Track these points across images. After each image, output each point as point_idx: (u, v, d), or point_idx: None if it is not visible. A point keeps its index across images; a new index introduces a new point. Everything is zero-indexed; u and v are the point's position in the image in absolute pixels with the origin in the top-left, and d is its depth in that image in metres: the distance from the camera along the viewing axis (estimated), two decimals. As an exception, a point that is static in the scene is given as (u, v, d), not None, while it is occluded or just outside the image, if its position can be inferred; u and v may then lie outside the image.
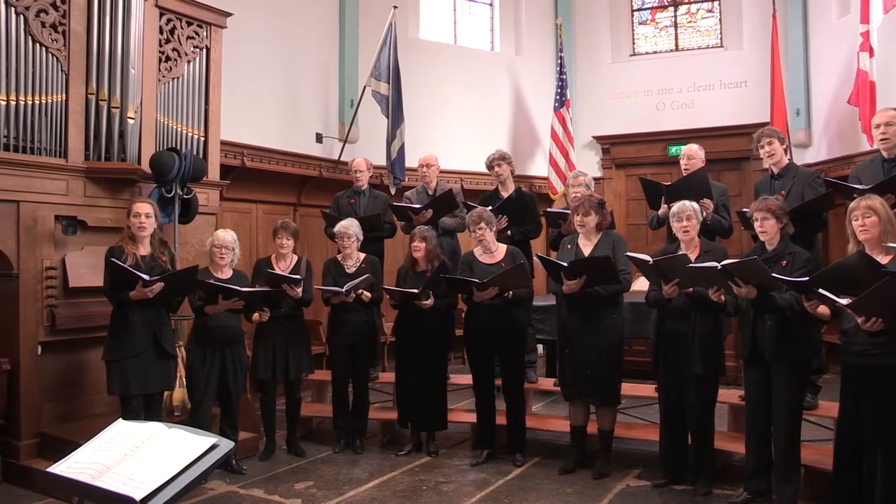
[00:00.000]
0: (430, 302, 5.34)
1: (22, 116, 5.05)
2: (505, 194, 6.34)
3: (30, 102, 5.09)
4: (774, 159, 5.17)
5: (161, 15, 5.95)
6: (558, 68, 10.38)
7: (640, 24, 11.15)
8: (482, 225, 5.30)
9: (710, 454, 4.71)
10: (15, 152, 5.03)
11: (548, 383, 6.32)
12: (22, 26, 5.05)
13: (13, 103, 5.00)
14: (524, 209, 6.15)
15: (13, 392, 5.02)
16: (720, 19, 10.63)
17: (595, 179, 7.03)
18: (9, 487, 4.90)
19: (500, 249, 5.42)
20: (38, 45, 5.14)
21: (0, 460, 4.97)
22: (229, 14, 6.45)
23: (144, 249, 4.81)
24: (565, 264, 4.85)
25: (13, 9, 5.00)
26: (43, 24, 5.17)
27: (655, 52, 11.01)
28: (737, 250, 6.33)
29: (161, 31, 5.95)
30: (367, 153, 7.47)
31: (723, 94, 10.22)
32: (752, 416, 4.38)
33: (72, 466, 2.00)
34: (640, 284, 5.80)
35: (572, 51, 10.90)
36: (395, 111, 8.69)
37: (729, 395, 5.35)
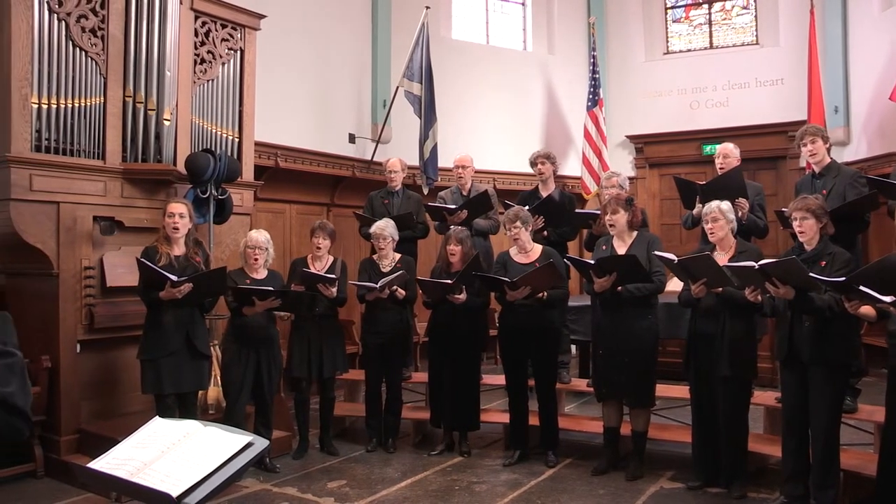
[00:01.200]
0: (463, 297, 5.33)
1: (62, 119, 5.14)
2: (545, 194, 6.32)
3: (69, 105, 5.19)
4: (817, 158, 5.06)
5: (196, 18, 6.02)
6: (591, 67, 10.31)
7: (673, 21, 11.04)
8: (518, 224, 5.28)
9: (743, 457, 4.64)
10: (55, 154, 5.13)
11: (581, 384, 6.28)
12: (63, 32, 5.15)
13: (54, 106, 5.10)
14: (562, 211, 6.12)
15: (54, 389, 5.12)
16: (756, 16, 10.47)
17: (629, 179, 6.96)
18: (50, 481, 5.00)
19: (536, 249, 5.40)
20: (78, 49, 5.23)
21: (42, 455, 5.08)
22: (263, 16, 6.51)
23: (179, 250, 4.87)
24: (593, 262, 4.84)
25: (55, 15, 5.11)
26: (83, 29, 5.26)
27: (689, 50, 10.89)
28: (773, 250, 6.25)
29: (196, 34, 6.03)
30: (399, 153, 7.50)
31: (758, 91, 10.08)
32: (789, 419, 4.31)
33: (110, 462, 2.03)
34: (675, 285, 5.75)
35: (605, 49, 10.82)
36: (427, 111, 8.70)
37: (765, 398, 5.28)
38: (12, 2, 4.87)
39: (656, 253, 4.77)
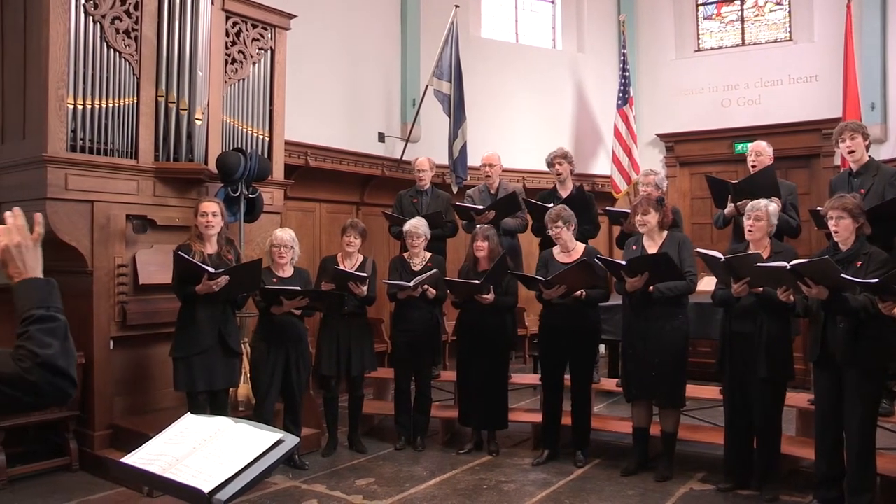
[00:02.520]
0: (490, 297, 5.33)
1: (96, 119, 5.22)
2: (563, 193, 6.31)
3: (103, 106, 5.26)
4: (856, 156, 4.93)
5: (227, 18, 6.07)
6: (621, 65, 10.24)
7: (704, 18, 10.91)
8: (560, 223, 5.26)
9: (776, 459, 4.59)
10: (90, 154, 5.21)
11: (610, 384, 6.25)
12: (98, 34, 5.23)
13: (89, 107, 5.17)
14: (583, 208, 6.10)
15: (87, 385, 5.19)
16: (789, 12, 10.30)
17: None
18: (84, 475, 5.08)
19: (578, 248, 5.37)
20: (112, 50, 5.30)
21: (77, 449, 5.16)
22: (293, 16, 6.55)
23: (211, 248, 4.93)
24: (624, 262, 4.81)
25: (91, 18, 5.19)
26: (117, 31, 5.33)
27: (721, 48, 10.75)
28: (806, 250, 6.15)
29: (227, 34, 6.08)
30: (429, 152, 7.50)
31: (792, 89, 9.91)
32: (823, 421, 4.25)
33: (143, 457, 2.05)
34: (706, 284, 5.69)
35: (635, 47, 10.74)
36: (457, 110, 8.70)
37: (797, 399, 5.20)
38: (51, 6, 4.96)
39: (699, 250, 4.72)
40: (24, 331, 1.68)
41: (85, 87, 5.15)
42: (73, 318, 5.18)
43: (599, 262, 5.22)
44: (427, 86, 8.71)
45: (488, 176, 6.65)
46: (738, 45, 10.64)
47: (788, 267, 4.01)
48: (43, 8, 5.01)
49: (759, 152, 5.57)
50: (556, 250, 5.43)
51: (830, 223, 4.18)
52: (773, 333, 4.45)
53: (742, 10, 10.68)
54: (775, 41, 10.40)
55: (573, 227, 5.35)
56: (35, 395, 1.65)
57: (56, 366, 1.66)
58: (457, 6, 8.75)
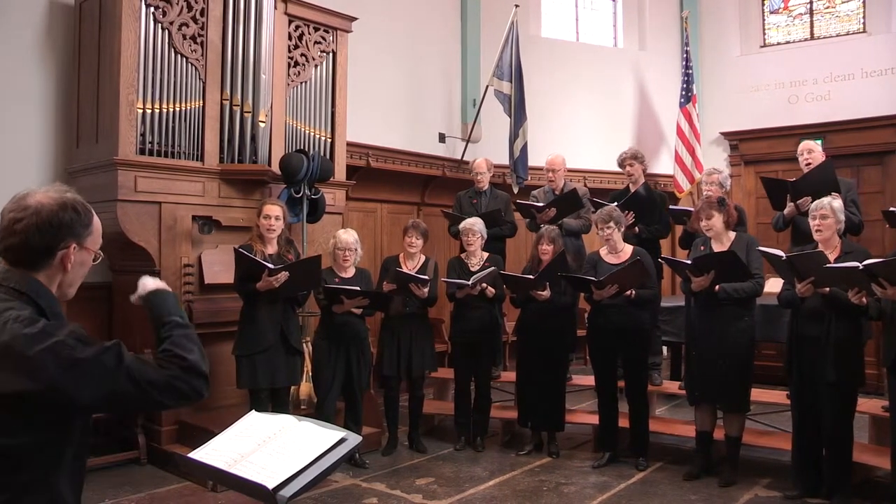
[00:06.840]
0: (546, 293, 5.29)
1: (164, 123, 5.38)
2: None
3: (171, 110, 5.42)
4: None
5: (290, 22, 6.19)
6: (684, 63, 10.02)
7: (771, 13, 10.61)
8: (611, 224, 5.21)
9: (847, 467, 4.42)
10: (158, 157, 5.37)
11: (673, 386, 6.15)
12: (167, 40, 5.40)
13: (157, 111, 5.34)
14: (652, 206, 6.00)
15: (156, 381, 5.32)
16: (864, 2, 9.89)
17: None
18: (152, 468, 5.23)
19: (626, 249, 5.31)
20: (179, 56, 5.47)
21: (145, 444, 5.31)
22: (354, 18, 6.62)
23: (272, 248, 5.01)
24: (689, 262, 4.72)
25: (160, 25, 5.37)
26: (184, 37, 5.49)
27: (788, 42, 10.44)
28: (878, 250, 5.94)
29: (290, 38, 6.19)
30: (489, 152, 7.48)
31: (864, 83, 9.54)
32: (899, 429, 4.09)
33: (209, 453, 2.09)
34: (772, 286, 5.54)
35: (699, 44, 10.52)
36: (517, 110, 8.65)
37: (871, 406, 5.02)
38: (123, 15, 5.15)
39: (762, 248, 4.61)
40: (168, 335, 1.84)
41: (154, 91, 5.32)
42: (141, 316, 5.38)
43: (664, 262, 5.14)
44: (487, 86, 8.69)
45: (551, 180, 6.59)
46: (806, 40, 10.31)
47: (861, 267, 3.87)
48: (116, 17, 5.19)
49: (811, 149, 5.51)
50: (603, 251, 5.37)
51: (908, 224, 4.04)
52: (842, 336, 4.30)
53: (811, 2, 10.34)
54: (847, 34, 10.02)
55: (623, 228, 5.29)
56: (178, 398, 1.76)
57: (199, 370, 1.79)
58: (517, 6, 8.70)
